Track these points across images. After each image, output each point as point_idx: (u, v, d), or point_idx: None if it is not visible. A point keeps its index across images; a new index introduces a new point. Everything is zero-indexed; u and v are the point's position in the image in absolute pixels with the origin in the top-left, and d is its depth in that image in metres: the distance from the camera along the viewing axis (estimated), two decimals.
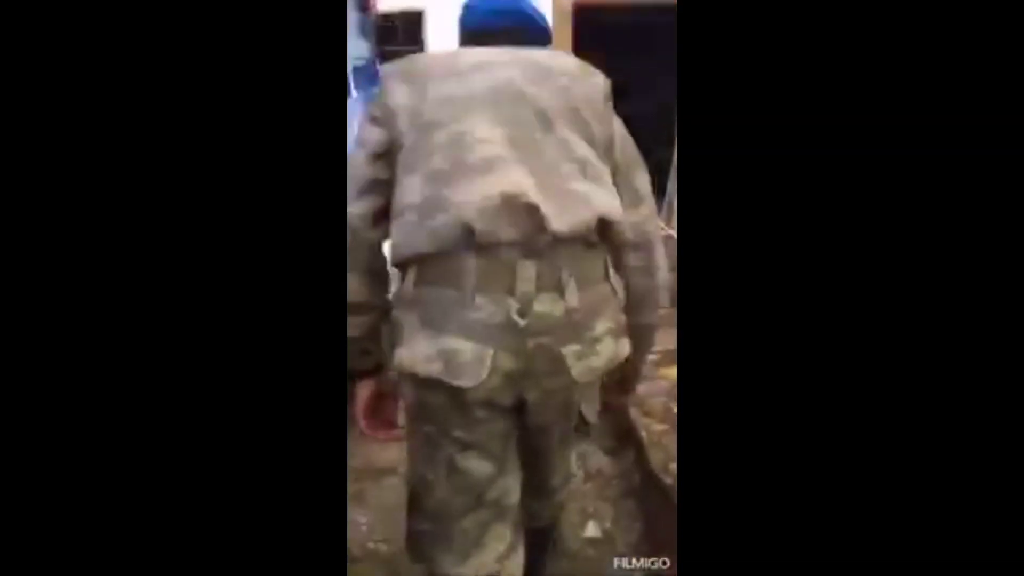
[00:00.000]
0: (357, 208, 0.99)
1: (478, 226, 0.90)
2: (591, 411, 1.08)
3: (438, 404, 0.97)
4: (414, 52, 1.15)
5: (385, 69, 1.05)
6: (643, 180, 1.13)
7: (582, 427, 1.10)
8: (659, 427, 1.93)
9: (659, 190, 4.05)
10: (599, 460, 2.06)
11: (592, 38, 3.07)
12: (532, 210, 0.91)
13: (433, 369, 0.92)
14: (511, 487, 1.05)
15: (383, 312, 1.03)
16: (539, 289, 0.92)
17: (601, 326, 0.97)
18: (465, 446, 0.99)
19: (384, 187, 1.00)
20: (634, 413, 2.01)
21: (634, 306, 1.10)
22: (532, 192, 0.92)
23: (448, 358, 0.92)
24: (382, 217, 1.01)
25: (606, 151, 1.03)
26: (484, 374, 0.91)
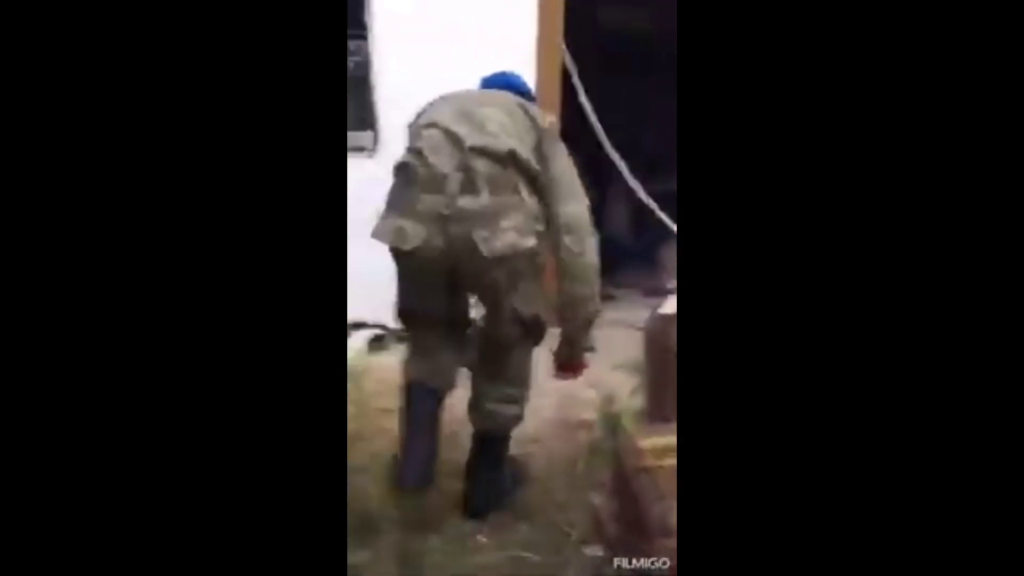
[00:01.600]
0: None
1: (425, 152, 1.51)
2: (524, 305, 1.62)
3: (399, 262, 1.62)
4: None
5: None
6: (578, 185, 1.64)
7: (524, 324, 1.63)
8: None
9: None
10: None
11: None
12: (454, 136, 1.51)
13: (388, 239, 1.53)
14: (451, 314, 1.72)
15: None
16: (461, 191, 1.48)
17: (506, 223, 1.49)
18: (413, 292, 1.67)
19: None
20: None
21: (567, 277, 1.63)
22: (454, 125, 1.53)
23: (397, 232, 1.51)
24: None
25: (532, 144, 1.59)
26: (418, 243, 1.49)
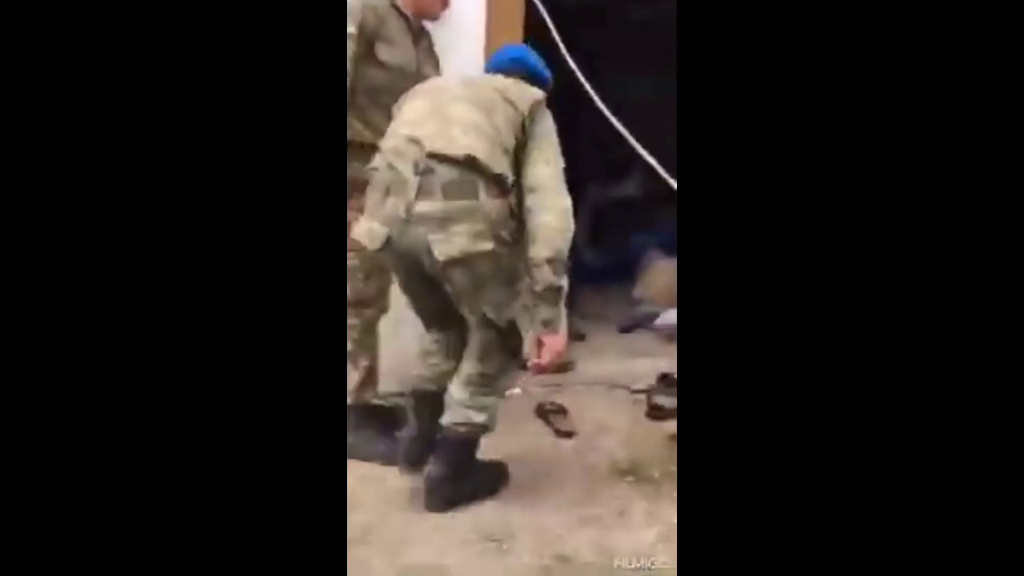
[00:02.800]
0: None
1: (389, 157, 1.51)
2: (494, 311, 1.54)
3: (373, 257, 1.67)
4: None
5: None
6: (550, 154, 1.59)
7: (497, 330, 1.57)
8: None
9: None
10: None
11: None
12: (416, 140, 1.49)
13: (360, 238, 1.54)
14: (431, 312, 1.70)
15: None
16: (419, 196, 1.46)
17: (459, 227, 1.45)
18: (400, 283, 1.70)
19: None
20: None
21: (529, 240, 1.54)
22: (419, 127, 1.51)
23: (366, 233, 1.53)
24: None
25: (511, 131, 1.54)
26: (379, 244, 1.51)
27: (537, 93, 1.60)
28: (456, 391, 1.62)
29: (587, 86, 2.19)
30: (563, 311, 1.60)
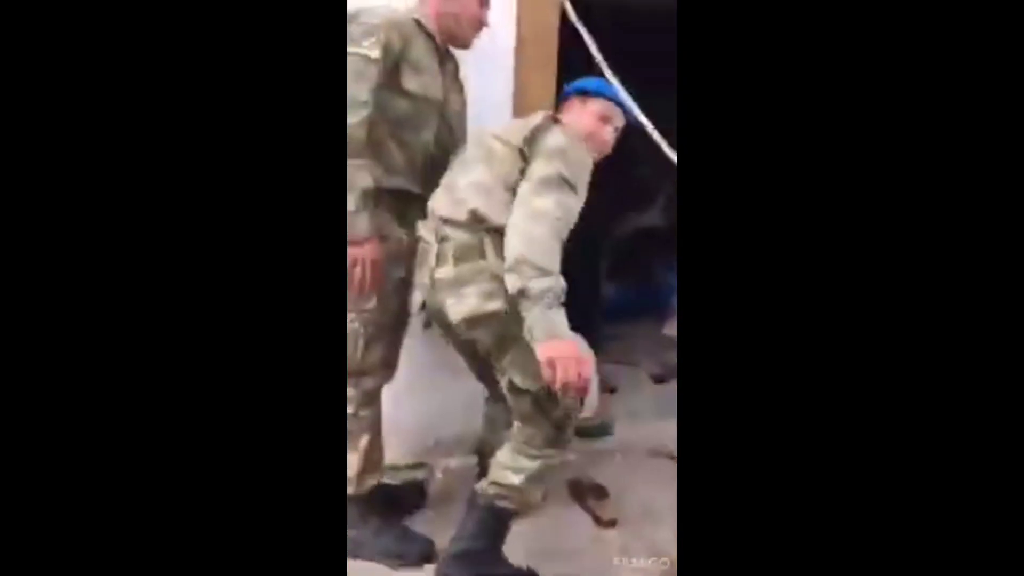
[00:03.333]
0: None
1: (422, 231, 1.57)
2: (522, 376, 1.46)
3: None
4: None
5: None
6: (533, 168, 1.48)
7: (531, 396, 1.47)
8: None
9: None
10: None
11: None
12: (432, 212, 1.55)
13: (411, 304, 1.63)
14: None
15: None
16: (437, 263, 1.50)
17: (470, 289, 1.46)
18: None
19: None
20: None
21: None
22: (434, 205, 1.56)
23: (413, 300, 1.60)
24: None
25: (514, 168, 1.50)
26: (416, 309, 1.59)
27: (535, 119, 1.53)
28: (501, 455, 1.54)
29: (633, 107, 1.92)
30: (547, 315, 1.34)
